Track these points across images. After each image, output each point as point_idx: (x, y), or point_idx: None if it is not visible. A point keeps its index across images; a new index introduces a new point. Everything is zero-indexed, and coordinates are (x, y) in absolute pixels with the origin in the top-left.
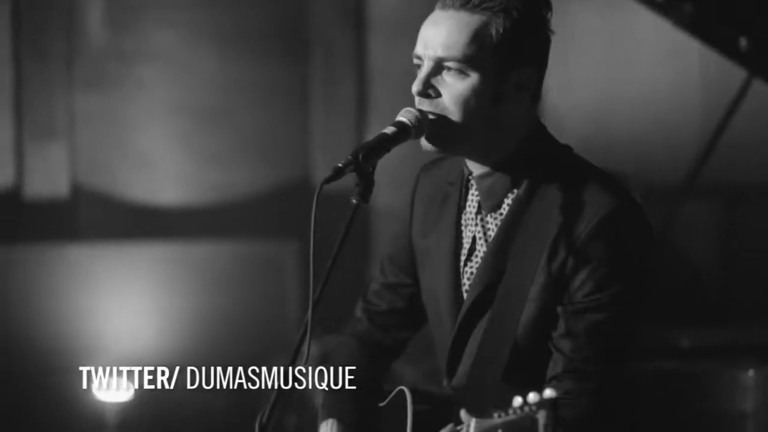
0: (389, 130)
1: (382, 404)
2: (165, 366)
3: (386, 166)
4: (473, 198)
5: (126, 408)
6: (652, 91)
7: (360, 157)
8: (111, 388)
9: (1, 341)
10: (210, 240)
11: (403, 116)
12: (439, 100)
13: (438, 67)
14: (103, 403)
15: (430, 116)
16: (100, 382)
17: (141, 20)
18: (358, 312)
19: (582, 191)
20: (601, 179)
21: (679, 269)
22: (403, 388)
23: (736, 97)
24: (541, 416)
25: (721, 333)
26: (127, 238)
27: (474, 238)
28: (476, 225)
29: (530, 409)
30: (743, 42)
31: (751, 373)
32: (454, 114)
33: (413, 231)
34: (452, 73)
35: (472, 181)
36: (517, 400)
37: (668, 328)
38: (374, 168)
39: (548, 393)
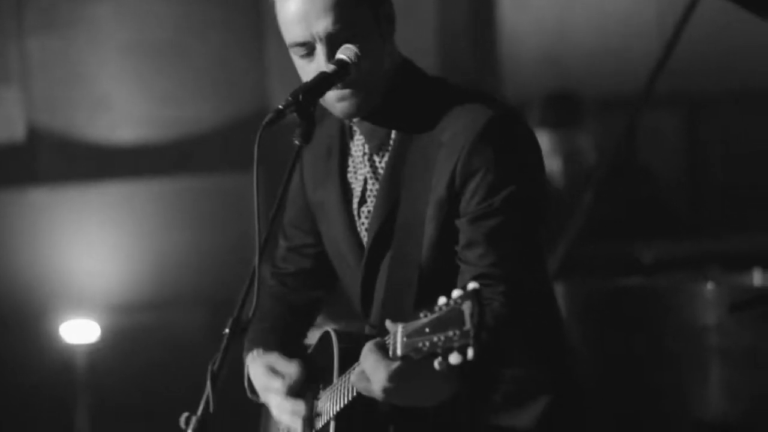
0: (329, 68)
1: (309, 351)
2: (131, 305)
3: None
4: (359, 142)
5: (94, 349)
6: (608, 3)
7: (300, 97)
8: (78, 330)
9: None
10: (171, 177)
11: (343, 54)
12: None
13: (333, 41)
14: (71, 346)
15: (344, 89)
16: (67, 325)
17: None
18: (270, 278)
19: (460, 111)
20: (476, 97)
21: (640, 182)
22: (328, 329)
23: (689, 3)
24: (466, 306)
25: (684, 246)
26: (87, 178)
27: (365, 180)
28: (365, 167)
29: (455, 303)
30: None
31: (710, 286)
32: (370, 77)
33: (306, 190)
34: (347, 39)
35: (355, 127)
36: (442, 299)
37: (630, 242)
38: (315, 108)
39: (471, 285)
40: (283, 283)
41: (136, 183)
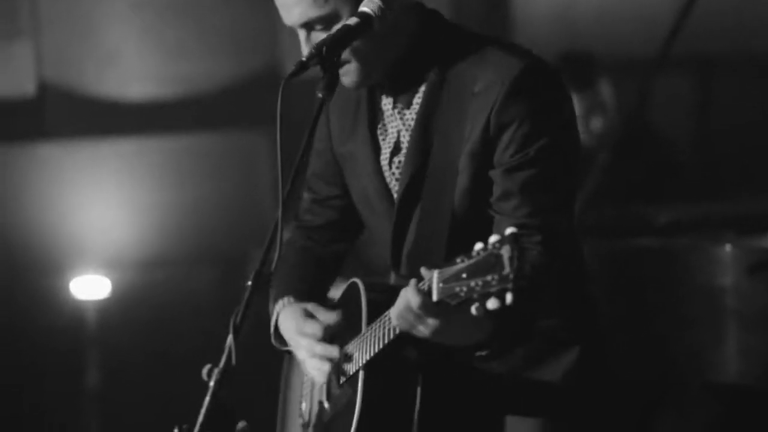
0: (352, 21)
1: (335, 301)
2: (140, 262)
3: None
4: (388, 97)
5: (105, 305)
6: None
7: (324, 50)
8: (89, 286)
9: None
10: (181, 133)
11: (367, 6)
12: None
13: (309, 28)
14: (82, 302)
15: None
16: (78, 281)
17: None
18: (293, 233)
19: (492, 60)
20: (506, 47)
21: (655, 144)
22: (356, 280)
23: None
24: (505, 251)
25: (699, 208)
26: (97, 134)
27: (398, 132)
28: (396, 119)
29: (493, 248)
30: None
31: (728, 248)
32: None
33: (333, 142)
34: (322, 29)
35: (383, 80)
36: (479, 245)
37: (645, 204)
38: (339, 60)
39: (509, 230)
40: (308, 237)
41: (146, 139)
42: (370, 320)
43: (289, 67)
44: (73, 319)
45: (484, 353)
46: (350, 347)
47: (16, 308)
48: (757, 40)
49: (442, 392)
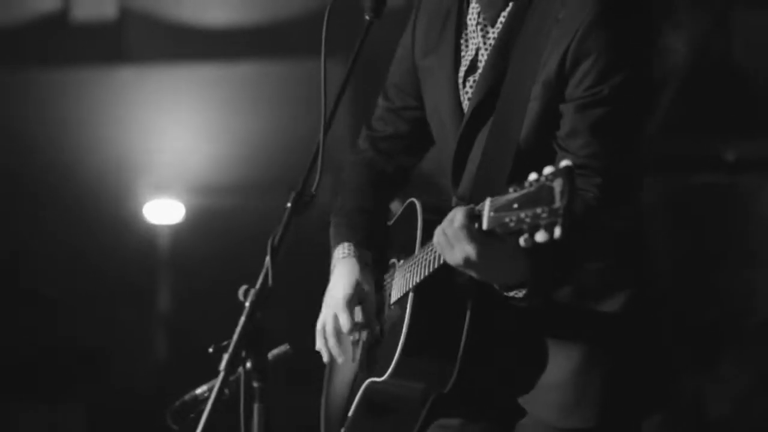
0: None
1: (390, 222)
2: (213, 188)
3: None
4: (474, 11)
5: (178, 230)
6: None
7: None
8: (162, 210)
9: (58, 164)
10: (260, 60)
11: None
12: None
13: None
14: (155, 226)
15: None
16: (151, 204)
17: None
18: (362, 142)
19: None
20: None
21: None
22: (414, 199)
23: None
24: (557, 184)
25: None
26: (174, 58)
27: (477, 50)
28: (478, 37)
29: (546, 179)
30: None
31: None
32: None
33: (416, 52)
34: None
35: None
36: (533, 175)
37: (715, 139)
38: None
39: (564, 162)
40: (376, 147)
41: (223, 65)
42: (424, 242)
43: None
44: (146, 243)
45: (521, 294)
46: (402, 269)
47: (92, 230)
48: None
49: (490, 321)
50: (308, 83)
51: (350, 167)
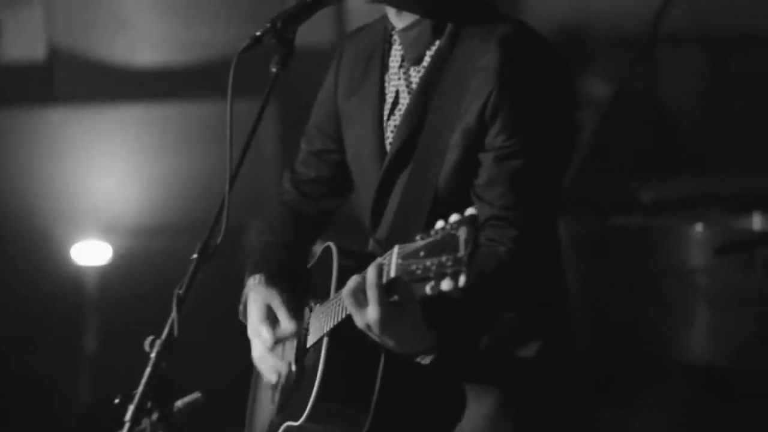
0: None
1: (310, 264)
2: (144, 228)
3: None
4: (396, 53)
5: (105, 271)
6: None
7: (279, 24)
8: (90, 252)
9: None
10: (188, 100)
11: None
12: None
13: None
14: (83, 267)
15: None
16: (79, 246)
17: None
18: (286, 183)
19: (502, 39)
20: (517, 28)
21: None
22: (330, 243)
23: None
24: (462, 232)
25: (685, 185)
26: (106, 99)
27: (397, 92)
28: (399, 78)
29: (451, 228)
30: None
31: (699, 227)
32: None
33: (338, 95)
34: None
35: (395, 36)
36: (440, 223)
37: (631, 180)
38: (294, 35)
39: (469, 211)
40: (299, 190)
41: (154, 106)
42: (339, 287)
43: (297, 34)
44: (73, 285)
45: (427, 360)
46: (316, 314)
47: (18, 272)
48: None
49: (404, 367)
50: (238, 125)
51: (273, 207)
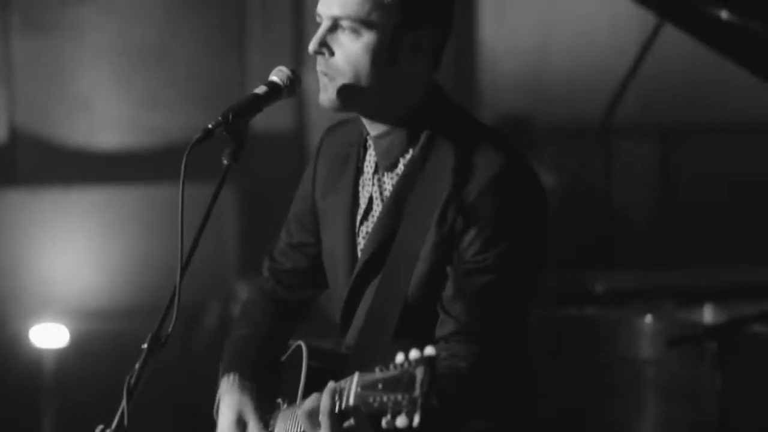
0: (261, 89)
1: (283, 359)
2: (103, 311)
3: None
4: (370, 158)
5: (63, 354)
6: (589, 31)
7: (230, 117)
8: (47, 334)
9: None
10: (148, 184)
11: (275, 76)
12: (333, 59)
13: (334, 25)
14: (41, 350)
15: (323, 77)
16: (37, 328)
17: None
18: (265, 270)
19: (473, 152)
20: (493, 139)
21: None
22: (301, 343)
23: (648, 40)
24: (419, 372)
25: (643, 277)
26: (66, 182)
27: (371, 198)
28: (373, 185)
29: (410, 365)
30: None
31: (648, 319)
32: (346, 73)
33: (315, 192)
34: (346, 32)
35: (370, 141)
36: (400, 357)
37: (584, 272)
38: (246, 128)
39: (428, 351)
40: (277, 279)
41: (113, 188)
42: (307, 390)
43: (257, 121)
44: (31, 367)
45: None
46: (282, 416)
47: None
48: (714, 111)
49: None
50: (196, 208)
51: (251, 295)
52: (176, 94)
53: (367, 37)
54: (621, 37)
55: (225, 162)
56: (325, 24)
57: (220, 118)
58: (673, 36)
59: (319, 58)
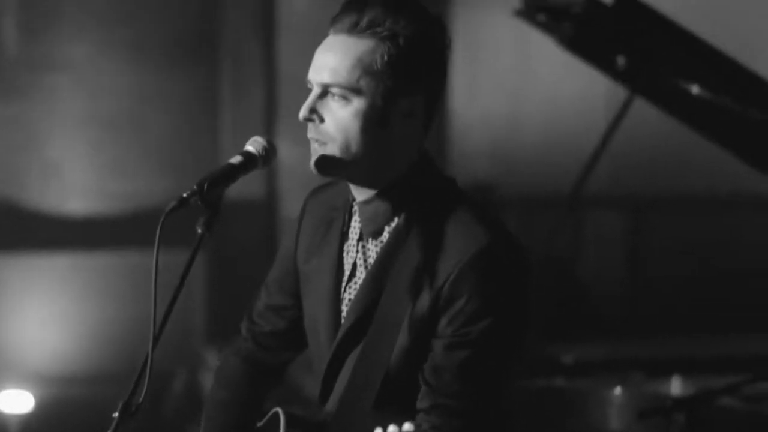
0: (236, 159)
1: (259, 424)
2: (68, 378)
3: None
4: (356, 224)
5: (27, 420)
6: (558, 99)
7: (205, 186)
8: (12, 400)
9: None
10: (117, 250)
11: (251, 146)
12: (323, 125)
13: (324, 92)
14: (6, 415)
15: (314, 143)
16: (2, 394)
17: (53, 30)
18: (243, 331)
19: (459, 224)
20: (478, 213)
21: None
22: (278, 410)
23: (619, 113)
24: None
25: (612, 348)
26: (35, 247)
27: (354, 265)
28: (357, 251)
29: None
30: (621, 61)
31: (618, 391)
32: (337, 139)
33: (298, 255)
34: (336, 98)
35: (355, 207)
36: (378, 431)
37: (551, 342)
38: (221, 197)
39: (406, 427)
40: (256, 341)
41: (82, 255)
42: None
43: (229, 188)
44: None
45: None
46: None
47: None
48: (684, 185)
49: None
50: (164, 275)
51: (227, 357)
52: (147, 161)
53: (357, 103)
54: (590, 106)
55: (199, 231)
56: (315, 91)
57: (195, 187)
58: (642, 109)
59: (310, 125)
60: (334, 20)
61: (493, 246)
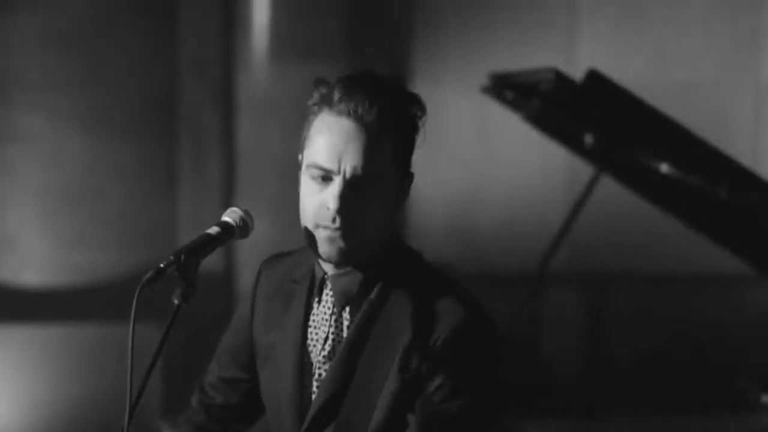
0: (213, 230)
1: None
2: None
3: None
4: (328, 297)
5: None
6: (518, 175)
7: (182, 257)
8: None
9: None
10: (74, 323)
11: (228, 216)
12: (353, 216)
13: (351, 182)
14: None
15: (335, 231)
16: None
17: (9, 101)
18: (194, 402)
19: (435, 301)
20: (453, 290)
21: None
22: None
23: (585, 191)
24: None
25: (574, 426)
26: None
27: (326, 339)
28: (330, 325)
29: None
30: (589, 139)
31: None
32: (363, 229)
33: (254, 327)
34: (362, 188)
35: (327, 281)
36: None
37: (516, 419)
38: (197, 269)
39: None
40: (208, 413)
41: (37, 327)
42: None
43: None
44: None
45: None
46: None
47: None
48: (645, 262)
49: None
50: (121, 348)
51: (180, 427)
52: (103, 232)
53: (381, 191)
54: (550, 182)
55: (175, 302)
56: (340, 181)
57: (172, 257)
58: (604, 185)
59: (329, 215)
60: (336, 102)
61: (471, 322)
